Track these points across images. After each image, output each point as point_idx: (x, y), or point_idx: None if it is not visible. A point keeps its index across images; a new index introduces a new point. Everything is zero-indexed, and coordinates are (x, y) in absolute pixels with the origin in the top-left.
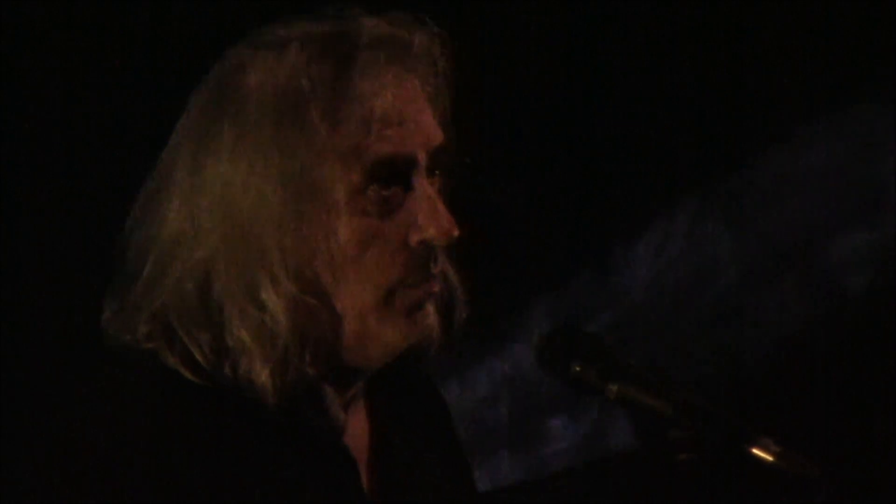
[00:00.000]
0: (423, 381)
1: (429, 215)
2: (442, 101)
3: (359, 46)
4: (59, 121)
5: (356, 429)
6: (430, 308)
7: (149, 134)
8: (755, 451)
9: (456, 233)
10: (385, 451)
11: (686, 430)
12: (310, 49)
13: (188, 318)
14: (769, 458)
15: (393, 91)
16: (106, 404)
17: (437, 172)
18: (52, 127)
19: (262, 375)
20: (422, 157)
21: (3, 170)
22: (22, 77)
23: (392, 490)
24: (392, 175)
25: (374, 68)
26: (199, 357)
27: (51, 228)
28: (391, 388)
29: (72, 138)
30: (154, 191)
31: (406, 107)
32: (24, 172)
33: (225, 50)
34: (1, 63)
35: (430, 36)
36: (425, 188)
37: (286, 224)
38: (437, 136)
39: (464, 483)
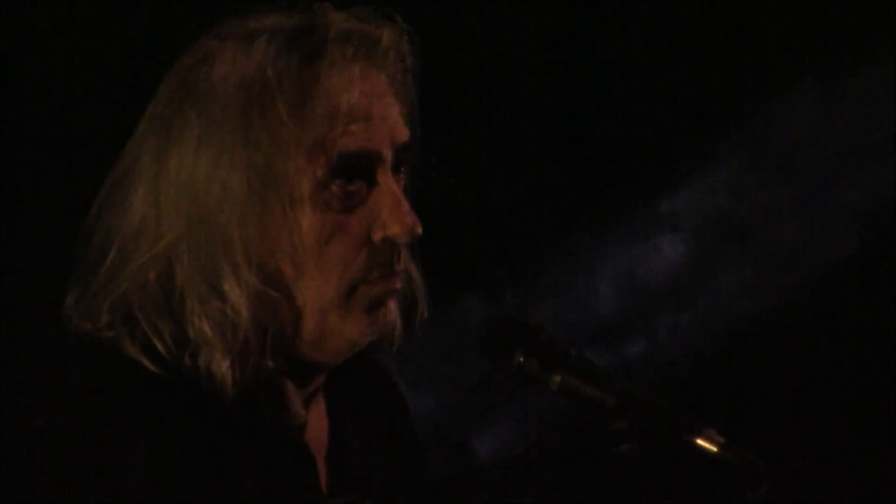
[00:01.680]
0: (381, 376)
1: (392, 212)
2: (409, 97)
3: (326, 41)
4: (59, 121)
5: (315, 425)
6: (392, 305)
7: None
8: (699, 441)
9: (419, 230)
10: (343, 447)
11: (629, 420)
12: (277, 42)
13: (150, 307)
14: (713, 448)
15: (360, 86)
16: (65, 394)
17: (402, 169)
18: (50, 127)
19: (223, 367)
20: (387, 154)
21: None
22: (22, 77)
23: (349, 487)
24: (357, 170)
25: (341, 63)
26: (160, 347)
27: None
28: (350, 384)
29: (66, 138)
30: (119, 179)
31: (372, 102)
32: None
33: (193, 40)
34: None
35: (398, 32)
36: (390, 185)
37: (249, 216)
38: (402, 132)
39: (420, 479)
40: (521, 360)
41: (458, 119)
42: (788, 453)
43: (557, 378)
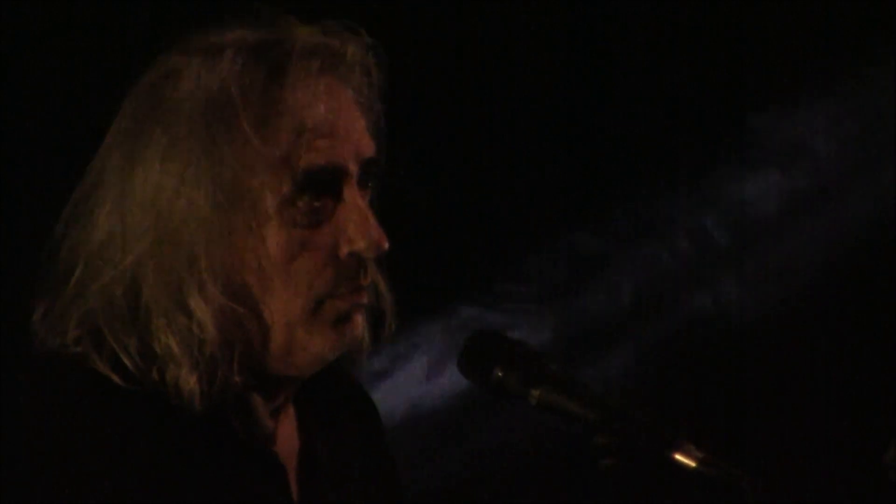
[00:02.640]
0: (353, 388)
1: (359, 227)
2: (375, 111)
3: (292, 55)
4: (59, 121)
5: (285, 437)
6: (359, 319)
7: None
8: (678, 456)
9: (386, 245)
10: (313, 458)
11: (609, 435)
12: (242, 57)
13: (117, 323)
14: (692, 463)
15: (325, 101)
16: (32, 409)
17: (369, 184)
18: (50, 127)
19: (190, 382)
20: (353, 169)
21: None
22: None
23: (320, 497)
24: (323, 186)
25: (306, 78)
26: (127, 362)
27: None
28: (320, 397)
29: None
30: (85, 195)
31: (338, 117)
32: None
33: (157, 55)
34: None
35: (364, 46)
36: (356, 200)
37: (215, 232)
38: (368, 147)
39: (391, 489)
40: (500, 374)
41: (446, 123)
42: (785, 456)
43: (536, 393)
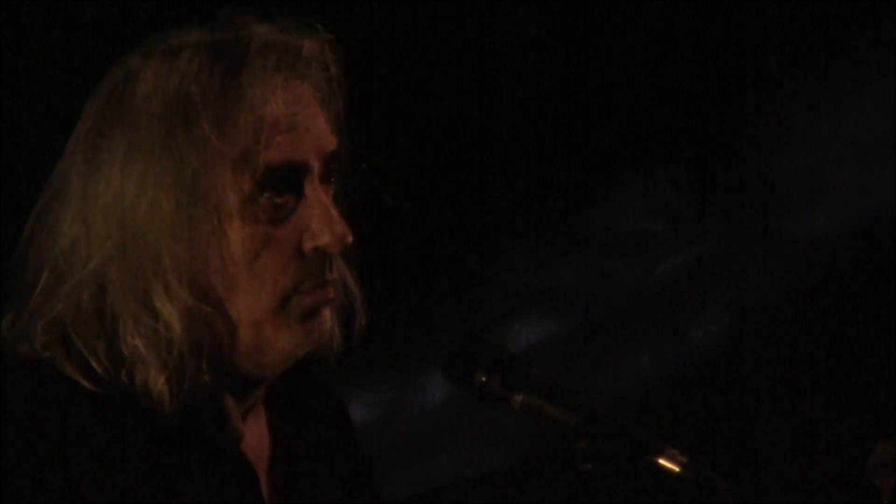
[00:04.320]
0: (322, 388)
1: (322, 222)
2: (335, 105)
3: (248, 53)
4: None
5: (256, 437)
6: (327, 314)
7: None
8: (661, 461)
9: (350, 239)
10: (285, 458)
11: (591, 440)
12: (200, 57)
13: (84, 326)
14: (675, 468)
15: (283, 97)
16: (2, 414)
17: (331, 179)
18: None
19: (159, 383)
20: (315, 164)
21: None
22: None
23: (291, 497)
24: (284, 182)
25: (263, 74)
26: (95, 366)
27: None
28: (291, 396)
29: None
30: (49, 200)
31: (297, 113)
32: None
33: (115, 58)
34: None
35: (321, 41)
36: (319, 195)
37: (178, 232)
38: (330, 141)
39: (362, 488)
40: (483, 379)
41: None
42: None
43: (519, 397)
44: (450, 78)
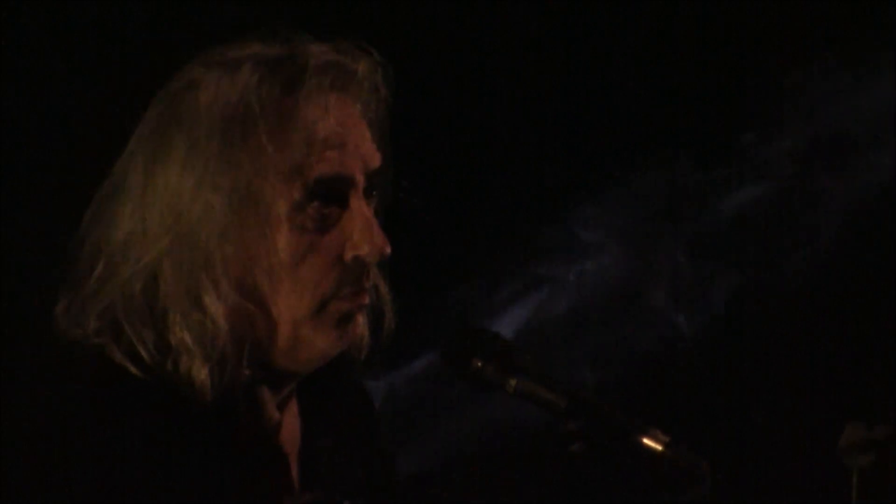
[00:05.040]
0: (352, 384)
1: (363, 233)
2: (381, 125)
3: (306, 71)
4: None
5: (288, 426)
6: (361, 319)
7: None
8: (645, 440)
9: (388, 251)
10: (314, 448)
11: (581, 422)
12: (260, 71)
13: (134, 316)
14: (658, 447)
15: (335, 115)
16: (54, 396)
17: (373, 193)
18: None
19: (202, 374)
20: (359, 179)
21: None
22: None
23: (319, 481)
24: (331, 194)
25: (319, 93)
26: (143, 353)
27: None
28: (322, 390)
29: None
30: (108, 195)
31: (347, 131)
32: None
33: (180, 66)
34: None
35: (372, 64)
36: (362, 208)
37: (229, 234)
38: (374, 159)
39: (385, 480)
40: (479, 365)
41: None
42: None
43: (513, 382)
44: (439, 61)
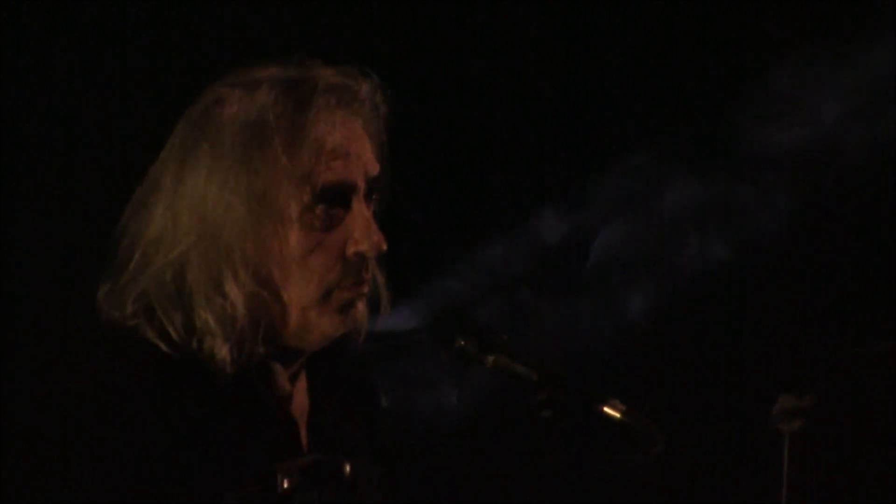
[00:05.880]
0: (354, 361)
1: (364, 232)
2: (380, 138)
3: (315, 91)
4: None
5: (298, 397)
6: (361, 306)
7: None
8: (605, 409)
9: (385, 247)
10: (320, 416)
11: (549, 392)
12: (276, 90)
13: (165, 301)
14: (616, 414)
15: (341, 130)
16: (95, 365)
17: (373, 196)
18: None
19: (223, 351)
20: (361, 185)
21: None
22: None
23: (324, 444)
24: (336, 198)
25: (326, 110)
26: (172, 333)
27: (52, 225)
28: (328, 365)
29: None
30: (143, 197)
31: (351, 143)
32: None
33: (207, 85)
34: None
35: (373, 86)
36: (362, 209)
37: (248, 231)
38: (374, 167)
39: (382, 445)
40: (462, 343)
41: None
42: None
43: (491, 358)
44: (425, 51)
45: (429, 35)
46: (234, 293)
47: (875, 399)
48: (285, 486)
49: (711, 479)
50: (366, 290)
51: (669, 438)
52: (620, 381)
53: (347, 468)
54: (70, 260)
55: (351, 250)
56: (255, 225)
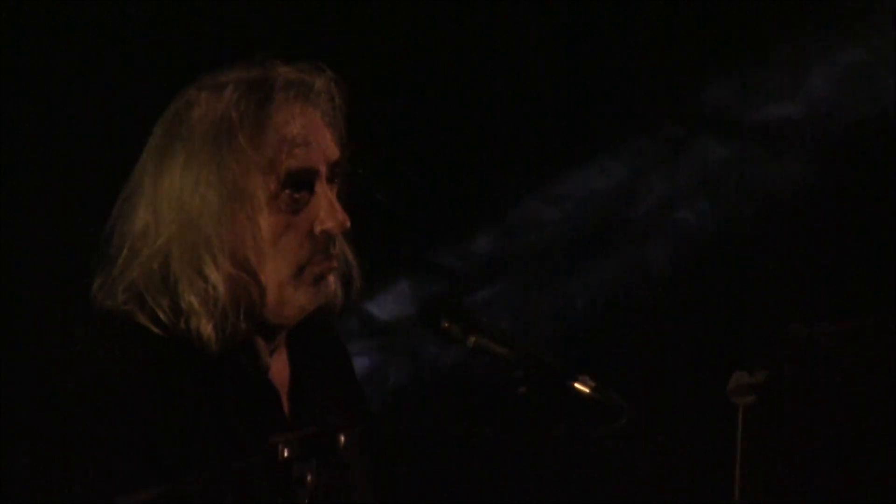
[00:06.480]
0: (329, 332)
1: (328, 212)
2: (338, 126)
3: (275, 88)
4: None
5: (279, 369)
6: (332, 279)
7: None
8: (576, 385)
9: (348, 224)
10: (301, 386)
11: (525, 370)
12: (240, 90)
13: (153, 287)
14: (586, 390)
15: (300, 121)
16: (95, 349)
17: (335, 180)
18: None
19: (208, 329)
20: (323, 169)
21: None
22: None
23: (305, 412)
24: (300, 183)
25: (286, 104)
26: (161, 316)
27: (48, 224)
28: (305, 339)
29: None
30: (128, 195)
31: (310, 132)
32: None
33: (179, 90)
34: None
35: (328, 79)
36: (325, 192)
37: (223, 219)
38: (334, 153)
39: (358, 408)
40: (446, 325)
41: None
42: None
43: (473, 339)
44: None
45: (428, 35)
46: (215, 276)
47: (820, 376)
48: (285, 454)
49: (674, 447)
50: (335, 264)
51: (635, 411)
52: (589, 358)
53: (342, 439)
54: (68, 256)
55: (318, 229)
56: (229, 213)
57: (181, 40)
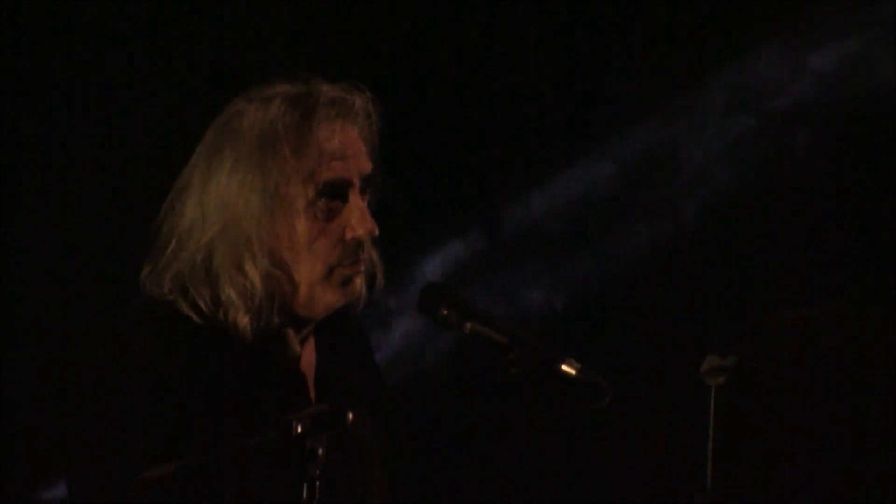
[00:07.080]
0: (354, 326)
1: (359, 220)
2: (373, 142)
3: (318, 104)
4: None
5: (307, 358)
6: (359, 281)
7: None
8: (563, 367)
9: (377, 232)
10: (326, 373)
11: (517, 353)
12: (285, 104)
13: (196, 279)
14: (572, 372)
15: (339, 136)
16: (138, 332)
17: (367, 191)
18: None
19: (244, 321)
20: (356, 181)
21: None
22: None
23: (329, 398)
24: (336, 192)
25: (327, 120)
26: (202, 307)
27: (48, 224)
28: (332, 331)
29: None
30: (177, 193)
31: (348, 147)
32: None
33: (230, 100)
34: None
35: (367, 98)
36: (358, 202)
37: (263, 221)
38: (367, 166)
39: (380, 399)
40: (445, 312)
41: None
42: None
43: (469, 325)
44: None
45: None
46: (253, 273)
47: (786, 360)
48: (298, 430)
49: (650, 424)
50: (362, 268)
51: (616, 391)
52: (574, 341)
53: (350, 416)
54: (68, 256)
55: (349, 235)
56: (269, 216)
57: (181, 40)
